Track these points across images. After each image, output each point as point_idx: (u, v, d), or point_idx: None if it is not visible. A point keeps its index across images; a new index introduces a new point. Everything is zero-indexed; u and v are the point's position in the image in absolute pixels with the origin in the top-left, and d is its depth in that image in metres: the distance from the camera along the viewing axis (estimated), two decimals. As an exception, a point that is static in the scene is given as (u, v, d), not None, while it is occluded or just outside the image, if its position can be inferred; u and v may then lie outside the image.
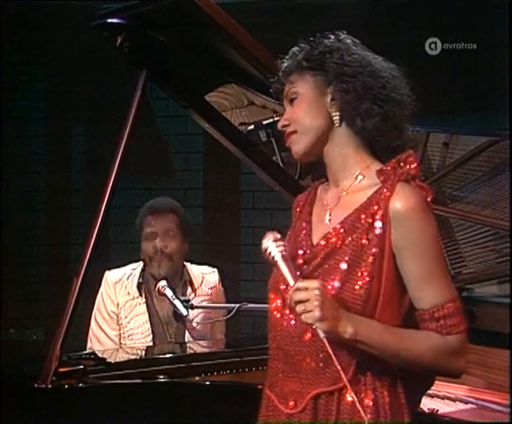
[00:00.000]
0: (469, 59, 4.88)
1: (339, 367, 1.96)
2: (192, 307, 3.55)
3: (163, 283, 3.56)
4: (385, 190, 2.05)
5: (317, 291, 1.96)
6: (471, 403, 2.86)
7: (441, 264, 2.06)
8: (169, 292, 3.53)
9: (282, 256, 2.04)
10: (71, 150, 6.18)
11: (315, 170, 2.24)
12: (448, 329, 2.03)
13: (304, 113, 2.12)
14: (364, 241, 2.04)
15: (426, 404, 2.86)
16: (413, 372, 2.04)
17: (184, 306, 3.50)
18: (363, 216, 2.05)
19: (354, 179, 2.11)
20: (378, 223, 2.03)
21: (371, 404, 2.02)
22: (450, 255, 3.17)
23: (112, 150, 3.09)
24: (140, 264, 3.69)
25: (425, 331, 2.04)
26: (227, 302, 3.78)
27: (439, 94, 5.11)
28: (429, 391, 2.94)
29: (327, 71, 2.11)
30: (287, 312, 2.09)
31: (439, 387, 2.97)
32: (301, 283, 1.99)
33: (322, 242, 2.09)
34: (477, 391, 2.91)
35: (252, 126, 3.16)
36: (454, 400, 2.90)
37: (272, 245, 2.05)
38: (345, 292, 2.02)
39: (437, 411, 2.80)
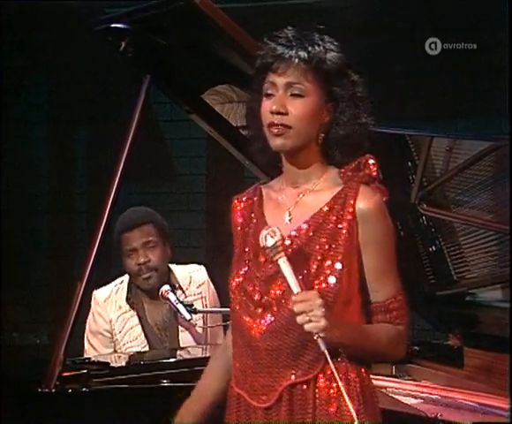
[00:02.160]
0: (469, 60, 4.88)
1: (336, 375, 2.05)
2: (196, 312, 3.54)
3: (166, 287, 3.55)
4: (349, 191, 2.14)
5: (319, 302, 2.02)
6: (475, 408, 2.86)
7: (394, 259, 2.18)
8: (172, 297, 3.52)
9: (284, 262, 2.07)
10: (74, 154, 6.18)
11: None
12: (399, 319, 2.16)
13: (307, 118, 2.14)
14: (331, 240, 2.12)
15: (430, 408, 2.86)
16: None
17: (188, 311, 3.50)
18: (329, 216, 2.14)
19: (313, 183, 2.18)
20: (345, 223, 2.13)
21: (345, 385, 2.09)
22: (454, 260, 3.17)
23: (115, 154, 3.09)
24: (126, 277, 3.66)
25: (382, 324, 2.16)
26: (227, 306, 3.75)
27: (441, 97, 5.10)
28: (432, 396, 2.95)
29: (337, 90, 2.15)
30: (256, 311, 2.14)
31: (441, 392, 2.97)
32: (302, 295, 2.04)
33: (287, 242, 2.13)
34: (480, 396, 2.91)
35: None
36: (457, 404, 2.90)
37: (272, 245, 2.07)
38: (316, 289, 2.08)
39: (440, 415, 2.80)
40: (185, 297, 3.63)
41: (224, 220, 6.55)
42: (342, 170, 2.17)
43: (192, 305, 3.55)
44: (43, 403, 2.97)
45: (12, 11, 5.33)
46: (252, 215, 2.25)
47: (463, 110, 5.11)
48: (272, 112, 2.13)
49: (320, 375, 2.10)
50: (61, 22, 5.57)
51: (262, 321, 2.13)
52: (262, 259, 2.16)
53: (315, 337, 2.01)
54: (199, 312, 3.58)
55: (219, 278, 3.82)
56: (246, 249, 2.23)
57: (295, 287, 2.04)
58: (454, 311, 3.15)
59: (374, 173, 2.16)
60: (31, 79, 6.03)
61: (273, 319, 2.12)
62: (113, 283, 3.69)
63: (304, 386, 2.10)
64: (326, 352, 2.02)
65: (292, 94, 2.13)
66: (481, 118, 5.13)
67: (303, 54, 2.13)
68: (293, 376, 2.11)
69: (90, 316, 3.64)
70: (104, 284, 3.70)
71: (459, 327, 3.16)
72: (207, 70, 3.09)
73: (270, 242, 2.07)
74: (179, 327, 3.63)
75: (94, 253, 3.02)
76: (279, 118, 2.13)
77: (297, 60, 2.13)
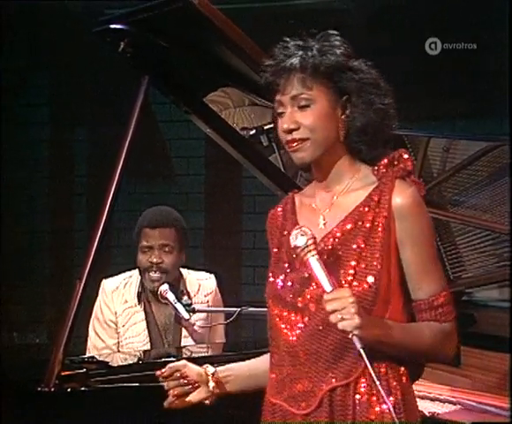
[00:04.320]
0: (469, 61, 4.89)
1: (373, 374, 1.99)
2: (194, 311, 3.55)
3: (165, 286, 3.56)
4: (384, 187, 2.10)
5: (351, 299, 1.98)
6: (472, 406, 2.88)
7: (436, 255, 2.14)
8: (171, 296, 3.54)
9: (317, 260, 2.03)
10: (74, 154, 6.19)
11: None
12: (445, 316, 2.11)
13: (321, 124, 2.10)
14: (369, 238, 2.08)
15: (428, 407, 2.88)
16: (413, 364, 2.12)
17: (186, 310, 3.51)
18: (365, 215, 2.09)
19: (345, 183, 2.15)
20: (381, 220, 2.08)
21: (389, 401, 2.04)
22: (450, 259, 3.18)
23: (115, 154, 3.10)
24: (137, 272, 3.68)
25: (426, 322, 2.10)
26: (227, 306, 3.78)
27: (439, 98, 5.11)
28: (430, 395, 2.96)
29: (343, 85, 2.11)
30: (292, 318, 2.11)
31: (440, 390, 2.99)
32: (333, 293, 1.99)
33: (321, 245, 2.10)
34: (477, 395, 2.92)
35: (253, 131, 3.18)
36: (454, 403, 2.91)
37: (303, 244, 2.03)
38: (355, 289, 2.04)
39: (438, 414, 2.81)
40: (191, 303, 3.64)
41: (222, 220, 6.58)
42: (376, 168, 2.13)
43: (191, 304, 3.57)
44: (42, 402, 2.97)
45: (12, 11, 5.34)
46: (286, 223, 2.21)
47: (460, 111, 5.12)
48: (284, 131, 2.12)
49: (362, 379, 2.05)
50: (61, 22, 5.58)
51: (298, 325, 2.09)
52: (297, 265, 2.12)
53: (350, 336, 1.96)
54: (198, 311, 3.59)
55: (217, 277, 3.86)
56: (281, 256, 2.18)
57: (327, 285, 2.00)
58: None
59: (409, 167, 2.12)
60: (31, 79, 6.04)
61: (309, 322, 2.08)
62: (123, 276, 3.70)
63: (345, 391, 2.05)
64: (361, 351, 1.96)
65: (299, 106, 2.11)
66: (478, 119, 5.14)
67: (297, 64, 2.10)
68: (334, 380, 2.06)
69: (97, 304, 3.67)
70: (114, 275, 3.73)
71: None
72: (205, 70, 3.10)
73: (301, 241, 2.04)
74: (182, 331, 3.64)
75: (93, 253, 3.02)
76: (292, 135, 2.11)
77: (293, 72, 2.10)
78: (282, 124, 2.13)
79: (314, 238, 2.05)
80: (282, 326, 2.12)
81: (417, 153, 3.10)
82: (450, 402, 2.92)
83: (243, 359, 3.29)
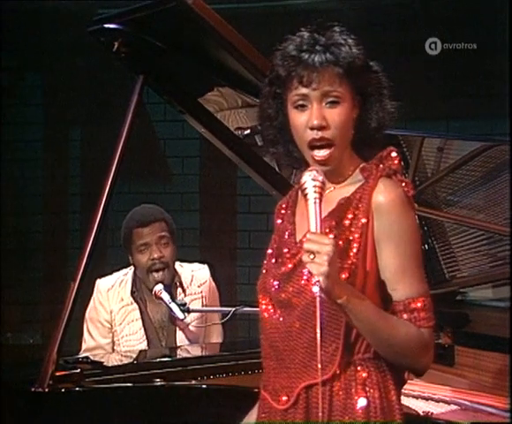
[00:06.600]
0: (467, 60, 4.89)
1: (318, 324, 1.96)
2: (189, 311, 3.56)
3: (160, 286, 3.56)
4: (367, 185, 2.07)
5: (329, 247, 1.93)
6: (465, 405, 2.88)
7: (418, 258, 2.08)
8: (165, 296, 3.54)
9: (315, 201, 1.99)
10: (68, 154, 6.19)
11: None
12: (421, 321, 2.04)
13: (345, 125, 2.07)
14: (347, 234, 2.06)
15: (421, 407, 2.88)
16: (398, 367, 2.07)
17: (181, 310, 3.51)
18: (346, 210, 2.07)
19: (339, 179, 2.13)
20: (361, 217, 2.05)
21: (364, 402, 2.04)
22: (444, 259, 3.19)
23: (109, 154, 3.10)
24: (131, 270, 3.68)
25: (404, 320, 2.04)
26: (222, 305, 3.78)
27: (435, 98, 5.12)
28: (424, 394, 2.97)
29: (364, 85, 2.08)
30: (275, 312, 2.11)
31: (433, 390, 2.99)
32: (316, 236, 1.96)
33: (305, 238, 2.06)
34: (471, 394, 2.93)
35: (248, 131, 3.18)
36: (448, 403, 2.91)
37: (310, 184, 2.00)
38: None
39: (431, 413, 2.82)
40: (185, 296, 3.65)
41: (217, 220, 6.59)
42: (366, 165, 2.10)
43: (185, 304, 3.57)
44: (36, 402, 2.97)
45: (8, 11, 5.34)
46: (284, 216, 2.19)
47: (455, 111, 5.13)
48: (312, 128, 2.05)
49: (336, 382, 2.04)
50: (55, 22, 5.59)
51: (279, 320, 2.10)
52: (285, 256, 2.11)
53: (314, 281, 1.94)
54: (193, 311, 3.59)
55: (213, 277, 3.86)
56: (273, 251, 2.17)
57: (314, 226, 1.97)
58: (445, 310, 3.17)
59: (395, 165, 2.07)
60: (25, 79, 6.03)
61: (287, 318, 2.08)
62: (117, 274, 3.70)
63: (320, 389, 2.01)
64: (318, 298, 1.94)
65: (328, 103, 2.05)
66: (473, 119, 5.15)
67: (333, 58, 2.03)
68: (308, 378, 2.05)
69: (91, 304, 3.66)
70: (108, 274, 3.72)
71: (450, 325, 3.17)
72: (199, 70, 3.11)
73: (308, 180, 2.00)
74: (177, 327, 3.65)
75: (87, 253, 3.03)
76: (320, 133, 2.05)
77: (328, 67, 2.03)
78: (312, 120, 2.05)
79: (323, 182, 2.00)
80: (267, 316, 2.13)
81: (412, 153, 3.10)
82: (444, 401, 2.92)
83: (238, 359, 3.31)
